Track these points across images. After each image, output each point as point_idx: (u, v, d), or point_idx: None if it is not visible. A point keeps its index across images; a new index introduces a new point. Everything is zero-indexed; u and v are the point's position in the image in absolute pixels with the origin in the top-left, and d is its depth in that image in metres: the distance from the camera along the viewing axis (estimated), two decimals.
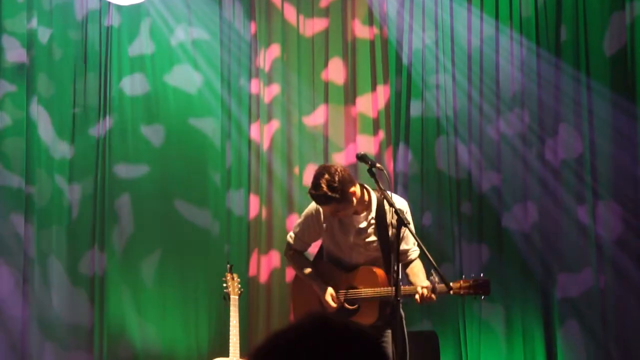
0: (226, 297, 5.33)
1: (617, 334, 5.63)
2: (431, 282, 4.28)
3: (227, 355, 5.26)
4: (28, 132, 6.11)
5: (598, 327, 5.70)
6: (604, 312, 5.70)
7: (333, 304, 4.44)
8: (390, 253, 4.40)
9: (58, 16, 6.31)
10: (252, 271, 6.36)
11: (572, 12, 5.97)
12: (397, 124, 6.38)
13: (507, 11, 6.19)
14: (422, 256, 4.47)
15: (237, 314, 5.27)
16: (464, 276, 4.44)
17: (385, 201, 4.36)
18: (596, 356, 5.68)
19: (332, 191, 4.26)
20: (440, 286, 4.30)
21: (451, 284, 4.31)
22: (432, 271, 4.27)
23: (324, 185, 4.25)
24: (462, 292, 4.36)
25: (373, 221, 4.48)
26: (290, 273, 5.96)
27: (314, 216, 4.56)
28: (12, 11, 6.18)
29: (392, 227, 4.33)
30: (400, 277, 4.21)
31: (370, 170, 4.40)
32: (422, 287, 4.25)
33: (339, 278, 4.53)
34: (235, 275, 5.40)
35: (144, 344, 6.15)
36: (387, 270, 4.41)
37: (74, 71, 6.31)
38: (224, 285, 5.37)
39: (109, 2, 6.18)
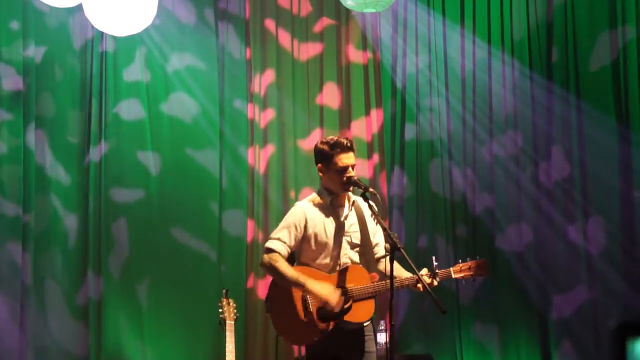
0: (222, 323, 5.34)
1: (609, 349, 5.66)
2: (433, 268, 4.25)
3: None
4: (25, 159, 6.13)
5: (591, 343, 5.71)
6: (596, 327, 5.72)
7: (337, 300, 4.25)
8: (366, 247, 4.46)
9: (54, 43, 6.34)
10: (249, 296, 6.37)
11: (562, 33, 6.03)
12: (391, 147, 6.42)
13: (499, 35, 6.24)
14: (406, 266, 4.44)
15: (233, 339, 5.27)
16: (460, 260, 4.44)
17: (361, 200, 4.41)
18: None
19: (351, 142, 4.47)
20: (442, 271, 4.30)
21: (451, 268, 4.36)
22: (433, 258, 4.31)
23: (343, 138, 4.44)
24: (463, 275, 4.36)
25: (353, 211, 4.49)
26: None
27: (300, 219, 4.44)
28: (8, 39, 6.21)
29: (368, 222, 4.43)
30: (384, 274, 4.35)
31: (363, 195, 4.40)
32: (422, 275, 4.23)
33: (325, 280, 4.43)
34: (231, 301, 5.40)
35: None
36: (367, 269, 4.42)
37: (70, 97, 6.35)
38: (220, 310, 5.37)
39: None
